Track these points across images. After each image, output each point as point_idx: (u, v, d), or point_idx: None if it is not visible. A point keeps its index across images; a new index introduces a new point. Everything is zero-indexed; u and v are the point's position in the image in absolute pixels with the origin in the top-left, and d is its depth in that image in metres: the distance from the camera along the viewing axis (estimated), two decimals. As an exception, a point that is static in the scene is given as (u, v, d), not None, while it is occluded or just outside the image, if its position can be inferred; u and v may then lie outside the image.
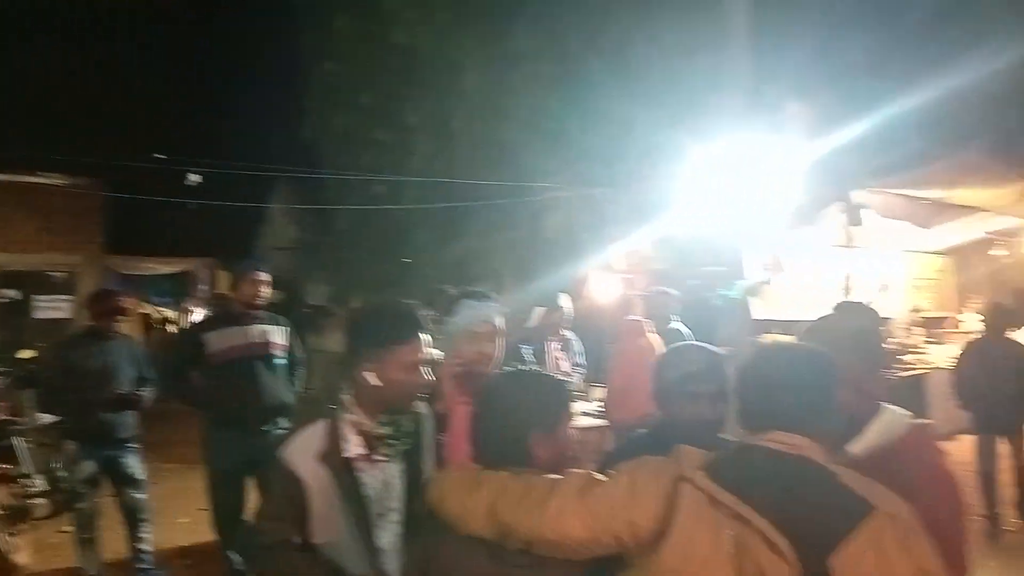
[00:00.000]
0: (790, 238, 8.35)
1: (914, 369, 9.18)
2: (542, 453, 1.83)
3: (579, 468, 1.77)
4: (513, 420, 1.85)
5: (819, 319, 2.07)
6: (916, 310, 10.57)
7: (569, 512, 1.60)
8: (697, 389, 2.13)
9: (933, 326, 10.86)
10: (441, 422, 2.62)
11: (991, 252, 11.32)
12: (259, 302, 4.71)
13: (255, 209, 17.56)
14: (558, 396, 1.94)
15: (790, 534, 1.44)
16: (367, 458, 2.14)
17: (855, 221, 7.22)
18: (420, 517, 2.13)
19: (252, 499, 4.32)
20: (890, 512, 1.47)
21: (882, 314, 8.46)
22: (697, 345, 2.35)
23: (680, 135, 7.38)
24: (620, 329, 5.89)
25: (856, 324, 1.98)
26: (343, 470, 2.09)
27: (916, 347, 9.88)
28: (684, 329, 6.38)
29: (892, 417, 1.88)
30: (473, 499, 1.71)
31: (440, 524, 1.78)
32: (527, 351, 5.33)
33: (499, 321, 2.83)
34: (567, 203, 10.13)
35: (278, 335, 4.80)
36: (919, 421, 1.90)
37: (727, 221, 6.49)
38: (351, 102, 13.12)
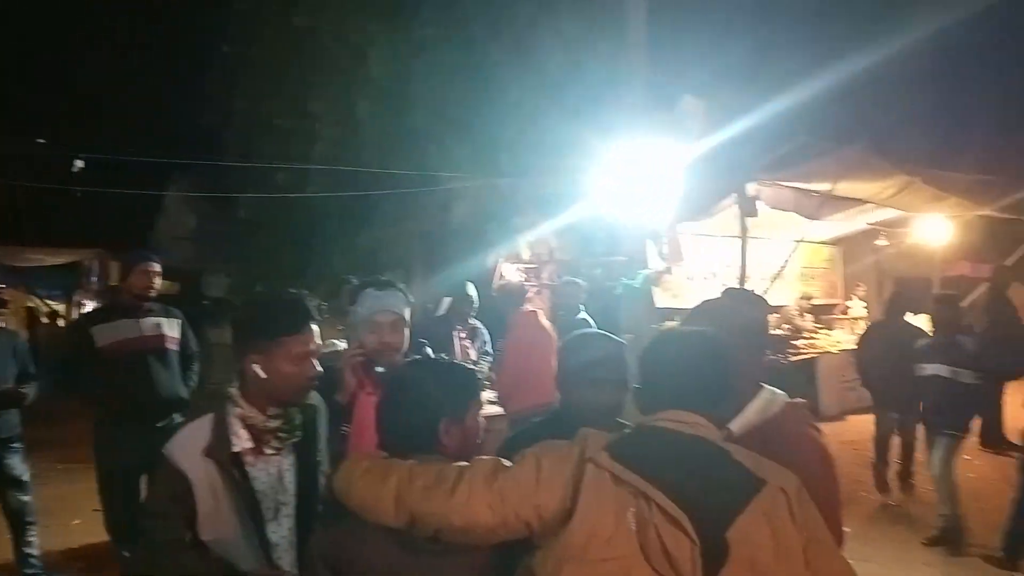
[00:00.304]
0: (690, 228, 8.64)
1: (805, 353, 9.65)
2: (450, 440, 1.85)
3: (485, 455, 1.80)
4: (422, 407, 1.85)
5: (704, 303, 2.15)
6: (806, 297, 11.10)
7: (477, 498, 1.63)
8: (599, 376, 2.20)
9: (822, 312, 11.44)
10: (343, 413, 2.59)
11: (876, 242, 12.02)
12: (152, 294, 4.55)
13: (151, 197, 16.83)
14: (468, 384, 1.96)
15: (689, 509, 1.50)
16: (257, 452, 2.09)
17: (750, 212, 7.53)
18: (316, 509, 2.12)
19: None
20: (780, 486, 1.57)
21: (774, 302, 8.86)
22: (600, 333, 2.42)
23: (584, 127, 7.52)
24: (514, 319, 5.92)
25: (740, 310, 2.06)
26: (231, 465, 2.04)
27: (807, 332, 10.38)
28: (590, 319, 6.50)
29: (770, 396, 1.98)
30: (380, 488, 1.71)
31: (346, 513, 1.77)
32: (426, 344, 5.32)
33: (403, 310, 2.76)
34: (474, 193, 10.16)
35: (172, 328, 4.64)
36: (794, 400, 2.00)
37: (629, 212, 6.66)
38: (252, 87, 12.74)
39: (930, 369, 5.59)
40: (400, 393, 1.91)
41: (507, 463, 1.71)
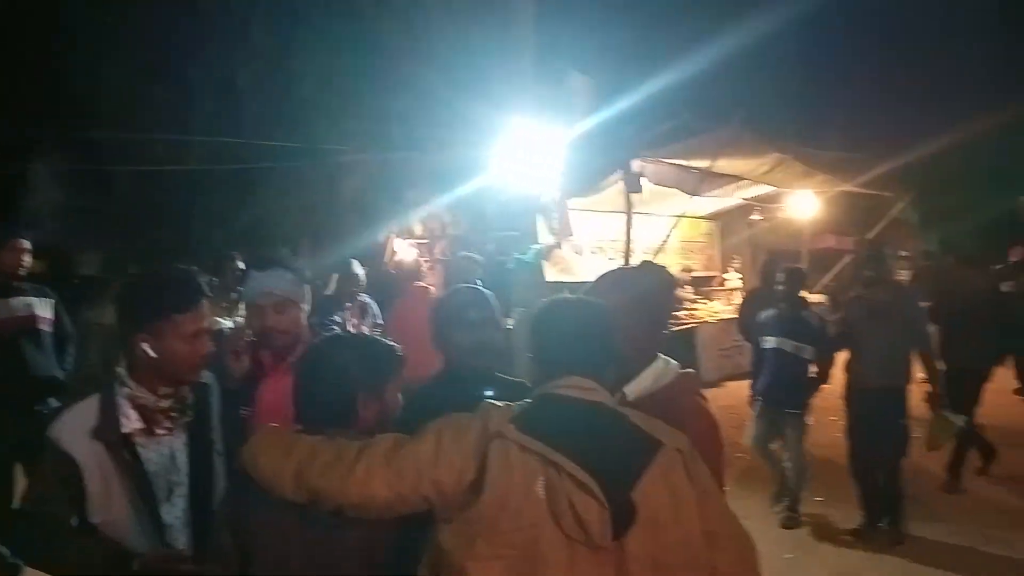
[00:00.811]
0: (577, 203, 8.83)
1: (685, 323, 10.08)
2: (368, 415, 1.88)
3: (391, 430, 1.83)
4: (340, 380, 1.87)
5: (607, 274, 2.25)
6: (687, 270, 11.58)
7: (375, 475, 1.65)
8: (470, 317, 2.31)
9: (701, 284, 11.96)
10: (240, 396, 2.50)
11: (751, 217, 12.64)
12: (22, 272, 4.31)
13: (14, 171, 15.66)
14: (387, 359, 1.98)
15: (597, 474, 1.57)
16: (147, 432, 2.04)
17: (635, 188, 7.78)
18: (211, 489, 2.11)
19: (23, 485, 3.97)
20: (676, 446, 1.68)
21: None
22: (467, 285, 2.55)
23: (475, 101, 7.54)
24: (403, 293, 5.89)
25: (648, 283, 2.16)
26: (120, 446, 1.98)
27: (687, 303, 10.84)
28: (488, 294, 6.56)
29: (663, 366, 2.08)
30: (283, 463, 1.72)
31: (253, 486, 1.77)
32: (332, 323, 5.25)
33: (290, 291, 2.59)
34: (364, 167, 10.02)
35: (44, 308, 4.40)
36: (685, 370, 2.12)
37: (521, 187, 6.77)
38: (125, 56, 12.03)
39: (772, 342, 5.43)
40: (318, 366, 1.91)
41: (407, 439, 1.73)
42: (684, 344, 9.44)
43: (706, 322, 10.31)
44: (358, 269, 6.02)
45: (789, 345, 5.34)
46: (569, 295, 1.97)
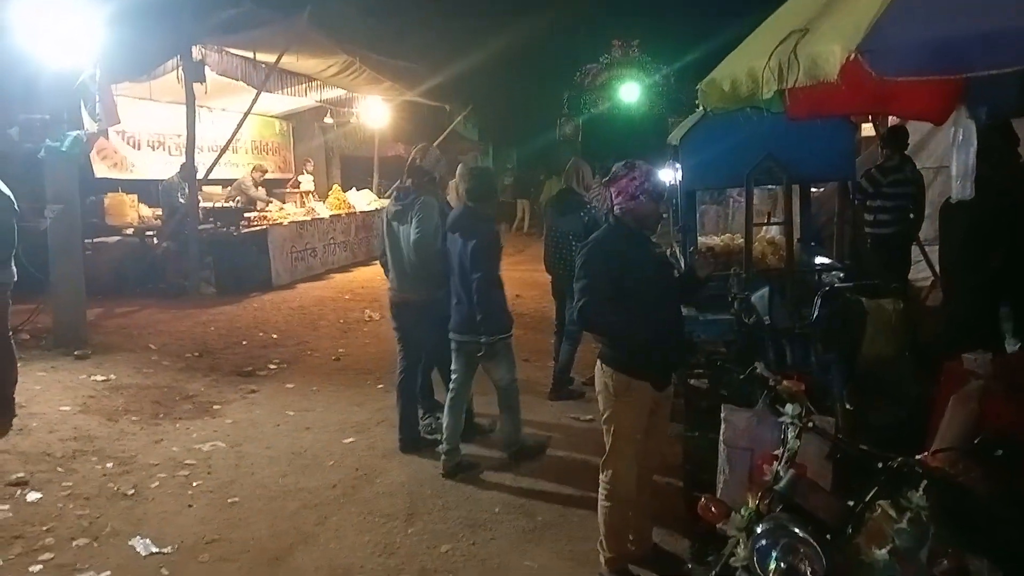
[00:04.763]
0: (129, 90, 7.90)
1: (256, 225, 9.76)
2: None
3: None
4: None
5: None
6: (260, 170, 11.16)
7: None
8: None
9: (275, 186, 11.68)
10: None
11: (325, 120, 12.62)
12: None
13: None
14: None
15: None
16: None
17: (196, 77, 7.20)
18: None
19: None
20: None
21: (226, 174, 8.65)
22: None
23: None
24: None
25: None
26: None
27: (260, 204, 10.49)
28: (4, 187, 5.57)
29: None
30: None
31: None
32: None
33: None
34: None
35: None
36: None
37: (52, 62, 5.78)
38: None
39: None
40: None
41: None
42: (255, 246, 9.17)
43: (278, 224, 10.12)
44: None
45: None
46: None
